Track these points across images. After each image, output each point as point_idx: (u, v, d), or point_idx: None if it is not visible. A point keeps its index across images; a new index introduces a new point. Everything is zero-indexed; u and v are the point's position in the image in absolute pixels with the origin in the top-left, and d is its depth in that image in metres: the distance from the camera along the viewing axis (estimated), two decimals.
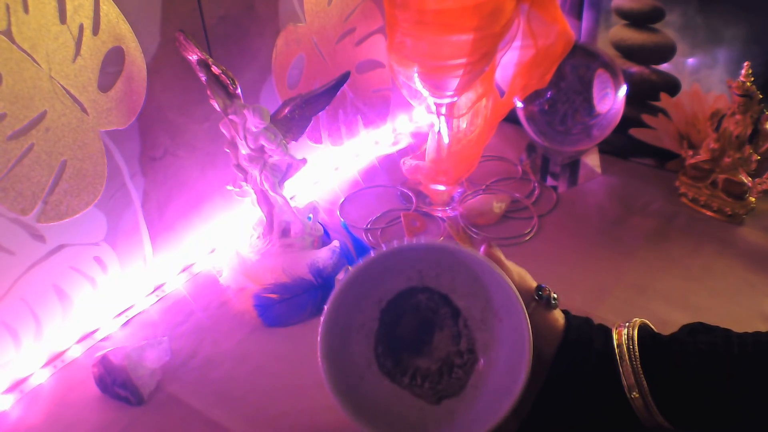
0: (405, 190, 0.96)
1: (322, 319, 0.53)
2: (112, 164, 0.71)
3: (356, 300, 0.55)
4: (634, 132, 0.98)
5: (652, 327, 0.54)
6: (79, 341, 0.74)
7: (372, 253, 0.53)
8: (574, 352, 0.52)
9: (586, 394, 0.52)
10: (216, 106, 0.71)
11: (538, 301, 0.53)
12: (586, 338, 0.53)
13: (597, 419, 0.52)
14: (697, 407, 0.50)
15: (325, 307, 0.53)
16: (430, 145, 0.91)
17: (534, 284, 0.54)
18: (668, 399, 0.50)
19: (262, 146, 0.73)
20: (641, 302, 0.74)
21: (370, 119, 1.05)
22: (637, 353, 0.51)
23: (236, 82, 0.70)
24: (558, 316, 0.54)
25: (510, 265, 0.54)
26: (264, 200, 0.78)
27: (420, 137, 1.06)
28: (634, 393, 0.50)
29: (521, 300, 0.51)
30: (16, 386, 0.68)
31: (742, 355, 0.49)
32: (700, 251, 0.82)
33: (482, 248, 0.54)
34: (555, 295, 0.54)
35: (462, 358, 0.55)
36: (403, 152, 1.04)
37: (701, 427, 0.50)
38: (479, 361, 0.55)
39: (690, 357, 0.50)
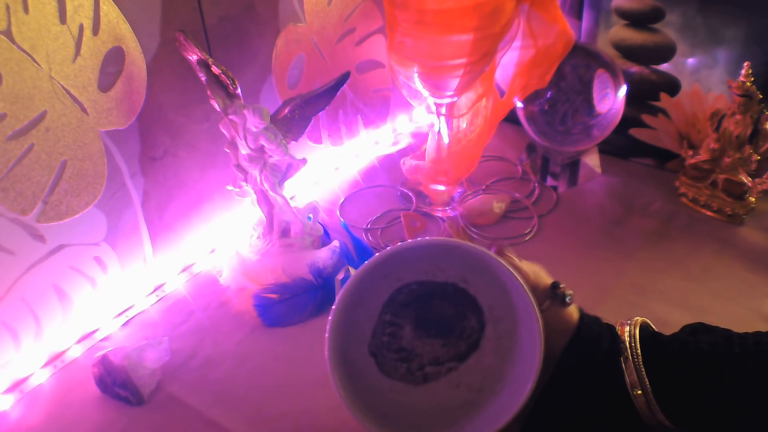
0: (405, 190, 0.96)
1: (429, 238, 0.54)
2: (112, 164, 0.71)
3: (440, 259, 0.56)
4: (634, 132, 0.98)
5: (653, 326, 0.55)
6: (79, 341, 0.74)
7: (489, 253, 0.53)
8: (583, 349, 0.53)
9: (589, 391, 0.52)
10: (216, 106, 0.71)
11: (553, 298, 0.53)
12: (595, 336, 0.53)
13: (599, 416, 0.53)
14: (697, 406, 0.50)
15: (432, 239, 0.55)
16: (430, 145, 0.91)
17: (549, 281, 0.54)
18: (670, 397, 0.50)
19: (262, 146, 0.73)
20: (641, 302, 0.74)
21: (370, 119, 1.05)
22: (639, 351, 0.51)
23: (236, 82, 0.70)
24: (573, 312, 0.54)
25: (525, 264, 0.54)
26: (264, 200, 0.78)
27: (420, 137, 1.06)
28: (637, 390, 0.50)
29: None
30: (16, 386, 0.68)
31: (743, 355, 0.49)
32: (700, 251, 0.82)
33: (493, 249, 0.54)
34: (570, 293, 0.54)
35: (433, 369, 0.57)
36: (403, 152, 1.04)
37: (702, 425, 0.51)
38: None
39: (692, 356, 0.50)
